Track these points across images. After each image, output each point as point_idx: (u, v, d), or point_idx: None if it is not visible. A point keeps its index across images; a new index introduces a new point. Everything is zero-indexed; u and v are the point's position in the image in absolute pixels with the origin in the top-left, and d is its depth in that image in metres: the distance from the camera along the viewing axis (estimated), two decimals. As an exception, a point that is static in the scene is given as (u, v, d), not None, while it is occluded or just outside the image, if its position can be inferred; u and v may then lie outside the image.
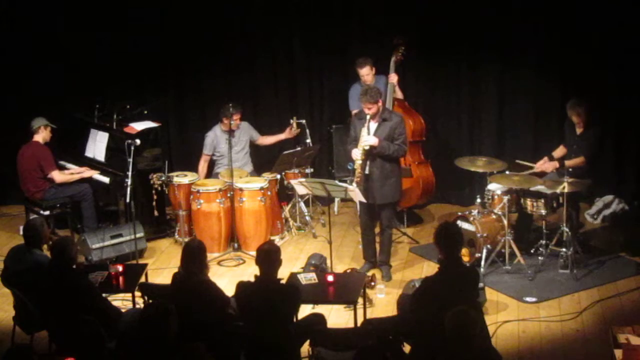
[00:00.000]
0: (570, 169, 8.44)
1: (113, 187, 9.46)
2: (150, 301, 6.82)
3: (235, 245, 9.24)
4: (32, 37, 10.46)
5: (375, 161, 8.15)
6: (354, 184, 8.06)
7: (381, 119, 8.13)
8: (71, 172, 9.61)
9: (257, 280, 6.27)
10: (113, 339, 6.33)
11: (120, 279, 7.26)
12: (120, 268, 7.33)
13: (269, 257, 6.25)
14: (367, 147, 8.06)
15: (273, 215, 9.44)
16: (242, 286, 6.32)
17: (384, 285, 8.24)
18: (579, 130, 8.81)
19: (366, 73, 9.26)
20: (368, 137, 8.07)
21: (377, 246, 8.61)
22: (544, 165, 8.95)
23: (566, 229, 8.30)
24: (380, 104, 8.09)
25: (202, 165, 9.73)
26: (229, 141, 9.29)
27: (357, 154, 8.11)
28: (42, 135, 9.43)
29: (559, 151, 9.10)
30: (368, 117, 8.07)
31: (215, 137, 9.65)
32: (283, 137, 10.01)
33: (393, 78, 9.37)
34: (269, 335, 6.02)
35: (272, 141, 10.05)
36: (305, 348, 6.33)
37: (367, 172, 8.14)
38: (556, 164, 8.94)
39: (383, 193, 8.19)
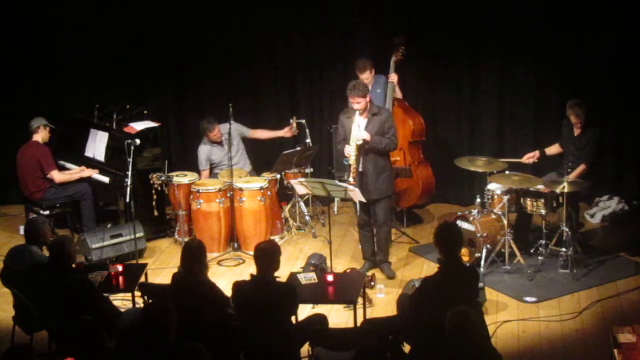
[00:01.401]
0: (570, 169, 8.44)
1: (113, 187, 9.46)
2: (150, 301, 6.83)
3: (235, 245, 9.24)
4: (32, 37, 10.46)
5: (368, 157, 8.15)
6: (351, 179, 8.06)
7: (371, 115, 8.13)
8: (71, 173, 9.61)
9: (254, 279, 6.27)
10: (113, 339, 6.33)
11: (120, 279, 7.25)
12: (120, 268, 7.32)
13: (267, 255, 6.25)
14: (359, 142, 8.06)
15: (273, 215, 9.44)
16: (238, 285, 6.31)
17: (384, 285, 8.24)
18: (577, 132, 8.79)
19: (366, 77, 9.09)
20: (360, 132, 8.07)
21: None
22: (528, 156, 9.04)
23: (566, 229, 8.30)
24: (368, 98, 8.09)
25: None
26: (229, 143, 9.27)
27: (350, 149, 8.11)
28: (41, 135, 9.42)
29: (554, 149, 9.10)
30: (357, 113, 8.07)
31: (208, 151, 9.62)
32: (281, 134, 9.99)
33: (393, 78, 9.36)
34: (268, 335, 6.01)
35: (267, 136, 10.03)
36: (306, 348, 6.32)
37: (360, 169, 8.15)
38: (537, 154, 9.02)
39: (378, 188, 8.19)
